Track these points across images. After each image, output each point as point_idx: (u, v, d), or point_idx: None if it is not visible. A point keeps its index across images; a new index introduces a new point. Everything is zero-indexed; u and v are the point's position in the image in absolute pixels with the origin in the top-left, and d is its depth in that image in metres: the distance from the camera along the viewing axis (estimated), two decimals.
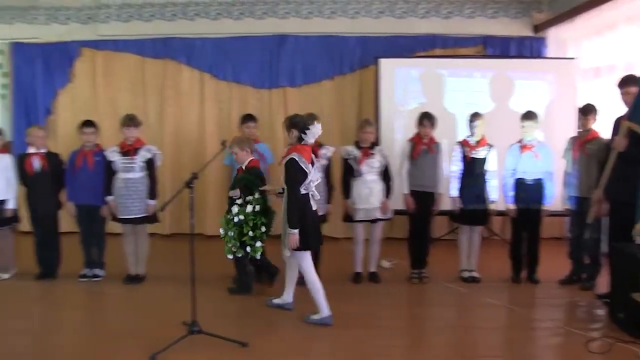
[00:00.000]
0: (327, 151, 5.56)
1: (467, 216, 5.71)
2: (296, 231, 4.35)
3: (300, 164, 4.39)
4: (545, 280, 5.68)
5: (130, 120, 5.63)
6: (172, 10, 8.16)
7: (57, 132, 8.22)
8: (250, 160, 5.30)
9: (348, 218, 5.73)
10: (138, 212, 5.57)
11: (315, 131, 4.49)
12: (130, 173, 5.53)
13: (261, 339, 4.22)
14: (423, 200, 5.69)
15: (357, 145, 5.67)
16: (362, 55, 7.81)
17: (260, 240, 5.04)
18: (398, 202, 5.84)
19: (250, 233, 5.00)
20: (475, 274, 5.78)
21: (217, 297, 5.22)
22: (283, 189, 4.54)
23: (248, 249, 5.04)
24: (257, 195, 5.08)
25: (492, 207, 5.72)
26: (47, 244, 5.92)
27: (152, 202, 5.61)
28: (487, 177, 5.67)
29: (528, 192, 5.58)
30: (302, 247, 4.43)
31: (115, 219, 5.72)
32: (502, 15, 7.90)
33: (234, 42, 7.96)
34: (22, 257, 6.22)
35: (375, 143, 5.77)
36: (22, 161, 5.80)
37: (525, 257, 5.76)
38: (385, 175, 5.69)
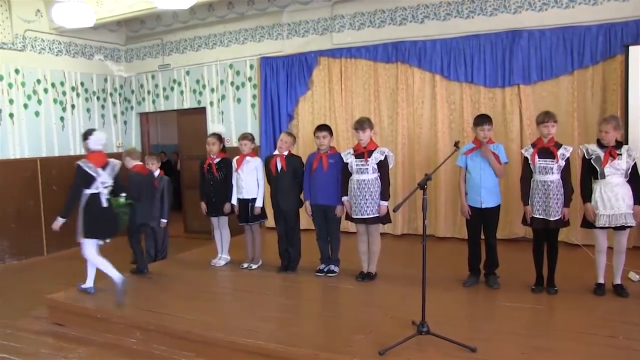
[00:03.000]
0: (565, 151, 5.17)
1: None
2: (64, 220, 5.39)
3: (85, 169, 5.38)
4: None
5: (362, 124, 5.86)
6: (402, 15, 8.28)
7: (298, 136, 8.94)
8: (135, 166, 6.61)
9: (587, 223, 5.25)
10: (370, 212, 5.73)
11: (96, 138, 5.48)
12: (363, 175, 5.71)
13: (489, 345, 4.07)
14: None
15: (600, 143, 5.16)
16: (607, 44, 6.98)
17: None
18: None
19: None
20: None
21: (446, 299, 5.17)
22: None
23: None
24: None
25: None
26: (289, 240, 6.43)
27: (384, 203, 5.75)
28: None
29: None
30: (90, 236, 5.46)
31: (349, 218, 5.99)
32: None
33: (464, 41, 7.79)
34: (268, 251, 6.87)
35: (622, 142, 5.22)
36: (267, 163, 6.41)
37: None
38: (634, 177, 5.08)
